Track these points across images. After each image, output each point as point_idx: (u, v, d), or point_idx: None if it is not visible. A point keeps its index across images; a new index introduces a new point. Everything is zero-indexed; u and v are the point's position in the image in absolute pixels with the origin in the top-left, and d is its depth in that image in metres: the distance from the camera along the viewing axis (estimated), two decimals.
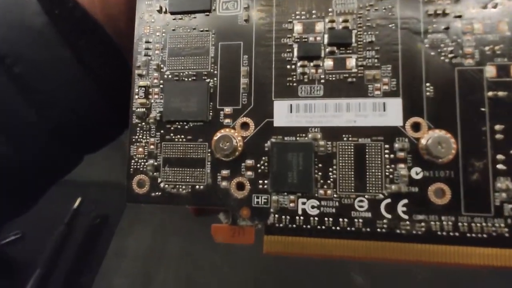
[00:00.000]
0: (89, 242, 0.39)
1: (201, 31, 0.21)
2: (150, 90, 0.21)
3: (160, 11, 0.21)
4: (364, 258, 0.18)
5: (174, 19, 0.21)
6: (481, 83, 0.18)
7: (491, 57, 0.18)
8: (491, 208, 0.17)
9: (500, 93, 0.18)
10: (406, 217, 0.18)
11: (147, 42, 0.21)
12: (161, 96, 0.21)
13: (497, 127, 0.18)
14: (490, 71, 0.18)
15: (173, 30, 0.21)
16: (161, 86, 0.21)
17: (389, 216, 0.18)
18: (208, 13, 0.21)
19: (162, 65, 0.21)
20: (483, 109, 0.18)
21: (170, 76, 0.21)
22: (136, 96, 0.21)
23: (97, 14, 0.22)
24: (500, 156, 0.18)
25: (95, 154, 0.26)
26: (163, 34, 0.21)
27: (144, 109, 0.21)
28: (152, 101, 0.21)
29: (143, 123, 0.21)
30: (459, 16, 0.19)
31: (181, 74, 0.21)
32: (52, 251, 0.37)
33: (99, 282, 0.35)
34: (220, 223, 0.19)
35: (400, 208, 0.18)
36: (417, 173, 0.18)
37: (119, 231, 0.38)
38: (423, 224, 0.18)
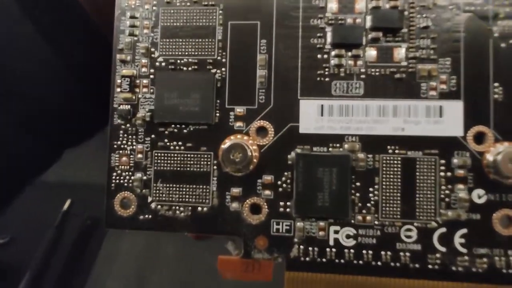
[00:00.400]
0: (80, 244, 0.36)
1: (205, 5, 0.16)
2: (137, 81, 0.16)
3: None
4: None
5: None
6: None
7: None
8: None
9: None
10: (464, 250, 0.15)
11: (132, 17, 0.16)
12: (151, 90, 0.16)
13: None
14: None
15: (168, 2, 0.16)
16: (151, 76, 0.15)
17: (443, 249, 0.15)
18: None
19: (153, 49, 0.16)
20: None
21: (163, 64, 0.16)
22: (118, 89, 0.16)
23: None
24: None
25: (85, 154, 0.24)
26: (154, 8, 0.16)
27: (129, 106, 0.16)
28: (140, 96, 0.16)
29: (128, 125, 0.15)
30: None
31: (179, 61, 0.16)
32: (42, 254, 0.34)
33: (91, 285, 0.33)
34: (229, 255, 0.15)
35: (458, 240, 0.14)
36: (479, 196, 0.14)
37: (111, 232, 0.34)
38: (485, 259, 0.14)
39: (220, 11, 0.16)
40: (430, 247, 0.15)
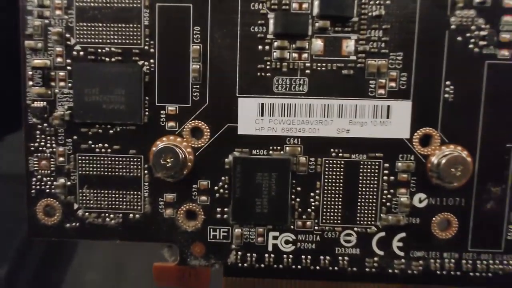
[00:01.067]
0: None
1: None
2: (52, 73, 0.13)
3: None
4: None
5: None
6: None
7: None
8: (501, 243, 0.13)
9: None
10: (402, 254, 0.14)
11: (40, 4, 0.13)
12: (70, 84, 0.13)
13: None
14: None
15: None
16: (68, 68, 0.13)
17: (381, 253, 0.14)
18: None
19: (68, 35, 0.13)
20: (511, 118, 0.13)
21: (82, 54, 0.13)
22: (31, 83, 0.13)
23: None
24: None
25: None
26: None
27: (45, 103, 0.13)
28: (57, 91, 0.13)
29: (45, 124, 0.13)
30: None
31: (99, 51, 0.13)
32: (18, 247, 0.30)
33: (71, 277, 0.30)
34: (165, 262, 0.14)
35: (396, 244, 0.14)
36: (421, 200, 0.14)
37: None
38: (421, 262, 0.14)
39: None
40: (368, 251, 0.14)
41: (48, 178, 0.14)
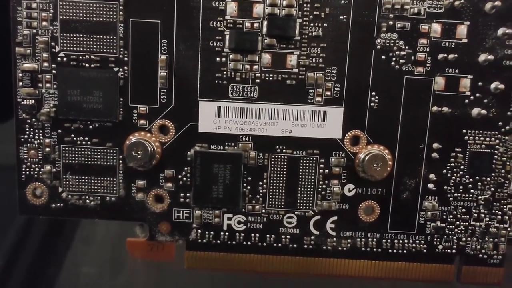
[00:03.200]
0: (53, 230, 0.29)
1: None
2: (39, 76, 0.13)
3: None
4: (289, 273, 0.14)
5: None
6: (428, 95, 0.13)
7: (442, 66, 0.13)
8: (415, 226, 0.14)
9: (445, 109, 0.13)
10: (333, 233, 0.15)
11: (29, 8, 0.13)
12: (55, 85, 0.13)
13: (435, 145, 0.14)
14: (439, 82, 0.13)
15: None
16: (54, 72, 0.13)
17: (317, 232, 0.14)
18: None
19: (53, 43, 0.13)
20: (424, 125, 0.13)
21: (65, 60, 0.13)
22: (20, 83, 0.13)
23: None
24: (432, 176, 0.14)
25: None
26: None
27: (33, 101, 0.13)
28: (44, 91, 0.13)
29: (33, 119, 0.13)
30: (417, 14, 0.13)
31: (81, 57, 0.13)
32: (12, 241, 0.28)
33: (66, 271, 0.27)
34: (137, 237, 0.14)
35: (329, 225, 0.15)
36: (350, 190, 0.14)
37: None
38: (349, 240, 0.14)
39: (121, 7, 0.13)
40: (306, 231, 0.15)
41: (36, 165, 0.14)
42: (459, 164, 0.14)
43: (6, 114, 0.14)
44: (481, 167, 0.14)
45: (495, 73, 0.14)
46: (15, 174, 0.14)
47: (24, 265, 0.27)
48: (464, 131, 0.14)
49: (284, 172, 0.14)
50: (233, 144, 0.14)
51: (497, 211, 0.15)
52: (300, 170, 0.14)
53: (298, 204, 0.14)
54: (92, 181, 0.14)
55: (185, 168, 0.14)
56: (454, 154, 0.14)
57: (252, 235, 0.15)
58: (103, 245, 0.28)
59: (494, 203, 0.15)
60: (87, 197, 0.14)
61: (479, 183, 0.14)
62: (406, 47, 0.14)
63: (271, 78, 0.14)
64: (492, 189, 0.14)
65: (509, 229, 0.15)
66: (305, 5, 0.13)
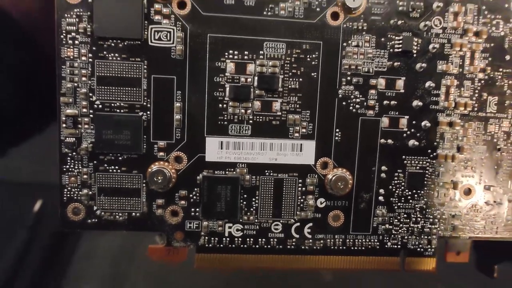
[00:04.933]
0: (55, 245, 0.28)
1: (133, 60, 0.15)
2: (79, 119, 0.15)
3: (85, 33, 0.14)
4: (277, 268, 0.16)
5: (101, 44, 0.14)
6: (377, 131, 0.16)
7: (386, 110, 0.16)
8: (370, 228, 0.17)
9: (389, 141, 0.16)
10: (310, 236, 0.17)
11: (71, 67, 0.14)
12: (92, 126, 0.15)
13: (383, 168, 0.16)
14: (384, 121, 0.16)
15: (101, 56, 0.15)
16: (91, 116, 0.15)
17: (297, 236, 0.16)
18: (139, 41, 0.14)
19: (91, 94, 0.15)
20: (375, 154, 0.16)
21: (100, 106, 0.15)
22: (64, 125, 0.15)
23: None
24: (381, 191, 0.16)
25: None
26: (90, 60, 0.14)
27: (74, 139, 0.15)
28: (82, 131, 0.15)
29: (74, 153, 0.15)
30: (368, 72, 0.15)
31: (113, 105, 0.15)
32: (14, 256, 0.26)
33: (67, 286, 0.27)
34: (156, 244, 0.16)
35: (306, 230, 0.17)
36: (321, 203, 0.16)
37: (87, 231, 0.24)
38: (321, 241, 0.17)
39: (145, 66, 0.15)
40: (289, 235, 0.17)
41: (76, 189, 0.16)
42: (401, 181, 0.17)
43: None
44: (416, 183, 0.17)
45: (424, 114, 0.17)
46: (53, 195, 0.15)
47: (26, 278, 0.26)
48: (403, 157, 0.17)
49: (272, 190, 0.16)
50: (232, 169, 0.16)
51: (429, 216, 0.17)
52: (284, 189, 0.16)
53: (283, 214, 0.17)
54: (121, 200, 0.16)
55: (195, 189, 0.16)
56: (397, 174, 0.17)
57: (248, 239, 0.17)
58: (104, 259, 0.27)
59: (427, 210, 0.17)
60: (117, 213, 0.16)
61: (415, 195, 0.17)
62: (360, 96, 0.16)
63: (260, 120, 0.16)
64: (425, 199, 0.17)
65: (438, 228, 0.18)
66: (285, 65, 0.16)
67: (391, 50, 0.16)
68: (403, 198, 0.17)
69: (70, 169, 0.16)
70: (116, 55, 0.15)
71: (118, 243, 0.27)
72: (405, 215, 0.17)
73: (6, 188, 0.20)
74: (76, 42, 0.15)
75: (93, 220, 0.16)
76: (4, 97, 0.17)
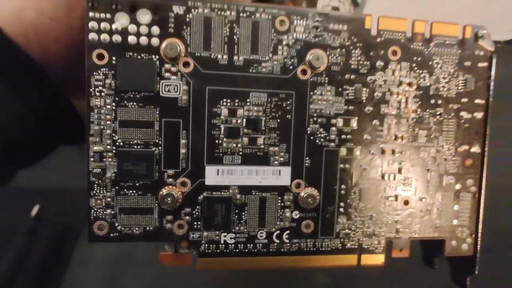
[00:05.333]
0: (52, 251, 0.28)
1: (147, 107, 0.18)
2: (104, 154, 0.18)
3: (110, 87, 0.18)
4: (263, 267, 0.20)
5: (123, 95, 0.18)
6: (337, 159, 0.20)
7: (344, 142, 0.20)
8: (333, 233, 0.21)
9: (347, 166, 0.20)
10: (287, 241, 0.20)
11: (99, 113, 0.18)
12: (114, 160, 0.18)
13: (342, 186, 0.20)
14: (342, 151, 0.20)
15: (122, 105, 0.18)
16: (113, 151, 0.18)
17: (278, 241, 0.20)
18: (152, 93, 0.18)
19: (114, 134, 0.18)
20: (336, 176, 0.20)
21: (121, 143, 0.18)
22: (92, 159, 0.18)
23: (34, 53, 0.17)
24: (342, 203, 0.21)
25: (54, 159, 0.21)
26: (114, 107, 0.18)
27: (100, 170, 0.18)
28: (107, 163, 0.18)
29: (100, 181, 0.18)
30: (329, 114, 0.20)
31: (131, 142, 0.18)
32: (11, 262, 0.26)
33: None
34: (166, 251, 0.19)
35: (284, 236, 0.20)
36: (296, 214, 0.20)
37: (84, 237, 0.24)
38: (297, 244, 0.20)
39: (157, 112, 0.19)
40: (271, 240, 0.20)
41: (100, 210, 0.19)
42: (356, 196, 0.21)
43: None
44: (367, 198, 0.22)
45: (372, 145, 0.21)
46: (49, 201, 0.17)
47: (24, 285, 0.26)
48: (357, 177, 0.21)
49: (257, 206, 0.19)
50: (226, 191, 0.19)
51: (378, 222, 0.22)
52: (267, 204, 0.19)
53: (266, 224, 0.20)
54: (138, 218, 0.19)
55: (197, 207, 0.19)
56: (353, 191, 0.21)
57: (239, 245, 0.19)
58: (101, 265, 0.27)
59: (376, 217, 0.22)
60: (134, 228, 0.19)
61: (368, 206, 0.21)
62: (324, 132, 0.20)
63: (248, 151, 0.19)
64: (374, 209, 0.22)
65: (385, 231, 0.22)
66: (266, 110, 0.20)
67: (346, 97, 0.21)
68: (358, 209, 0.21)
69: (96, 194, 0.19)
70: (135, 103, 0.19)
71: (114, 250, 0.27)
72: (360, 222, 0.22)
73: (5, 194, 0.20)
74: (103, 94, 0.18)
75: (115, 234, 0.19)
76: (22, 128, 0.18)
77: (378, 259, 0.22)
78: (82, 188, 0.18)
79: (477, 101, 0.22)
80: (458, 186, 0.22)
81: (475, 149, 0.22)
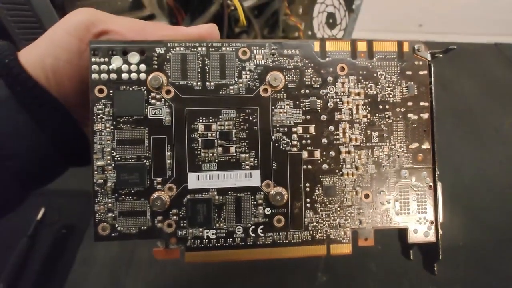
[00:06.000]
0: (55, 253, 0.28)
1: (139, 128, 0.22)
2: (105, 167, 0.21)
3: (109, 114, 0.21)
4: (241, 259, 0.22)
5: (119, 120, 0.22)
6: (300, 161, 0.23)
7: (305, 146, 0.23)
8: (303, 226, 0.23)
9: (309, 166, 0.23)
10: (262, 235, 0.22)
11: (100, 135, 0.21)
12: (114, 172, 0.21)
13: (307, 184, 0.23)
14: (304, 154, 0.23)
15: (119, 127, 0.22)
16: (113, 165, 0.21)
17: (253, 235, 0.22)
18: (142, 116, 0.22)
19: (113, 151, 0.21)
20: (300, 175, 0.23)
21: (119, 158, 0.21)
22: (96, 172, 0.21)
23: (52, 90, 0.20)
24: (308, 199, 0.23)
25: None
26: (112, 129, 0.22)
27: (102, 180, 0.21)
28: (108, 175, 0.21)
29: (102, 190, 0.21)
30: (290, 123, 0.23)
31: (126, 157, 0.21)
32: (15, 264, 0.26)
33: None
34: (158, 247, 0.22)
35: (259, 230, 0.22)
36: (267, 211, 0.22)
37: (87, 239, 0.28)
38: (270, 238, 0.22)
39: (146, 131, 0.22)
40: (248, 235, 0.22)
41: (103, 214, 0.22)
42: (320, 193, 0.24)
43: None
44: (331, 193, 0.24)
45: (330, 147, 0.24)
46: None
47: (27, 286, 0.25)
48: (320, 176, 0.23)
49: (234, 205, 0.21)
50: (206, 193, 0.21)
51: (342, 214, 0.24)
52: (242, 203, 0.21)
53: (242, 220, 0.21)
54: (134, 219, 0.22)
55: (182, 208, 0.21)
56: (317, 188, 0.23)
57: (220, 239, 0.21)
58: (102, 266, 0.27)
59: (340, 210, 0.24)
60: (131, 228, 0.22)
61: (332, 201, 0.24)
62: (286, 139, 0.23)
63: (223, 159, 0.22)
64: (338, 203, 0.24)
65: (350, 223, 0.24)
66: (236, 124, 0.23)
67: (303, 108, 0.23)
68: (323, 204, 0.23)
69: (100, 200, 0.22)
70: (128, 125, 0.22)
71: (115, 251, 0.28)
72: (326, 215, 0.24)
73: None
74: (103, 119, 0.22)
75: (116, 233, 0.22)
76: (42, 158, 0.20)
77: (346, 248, 0.23)
78: (83, 191, 0.20)
79: (422, 103, 0.24)
80: (413, 179, 0.24)
81: (425, 146, 0.24)
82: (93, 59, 0.21)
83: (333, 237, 0.23)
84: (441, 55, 0.24)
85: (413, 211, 0.24)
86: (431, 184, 0.24)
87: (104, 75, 0.22)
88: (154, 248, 0.22)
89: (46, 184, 0.21)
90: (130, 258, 0.29)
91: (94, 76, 0.22)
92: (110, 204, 0.20)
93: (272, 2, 0.36)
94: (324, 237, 0.23)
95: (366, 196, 0.24)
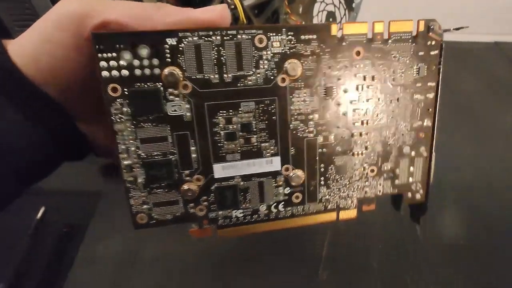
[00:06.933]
0: (56, 252, 0.26)
1: (160, 126, 0.21)
2: (133, 165, 0.21)
3: (127, 113, 0.20)
4: (265, 230, 0.24)
5: (139, 119, 0.20)
6: (315, 146, 0.23)
7: (321, 132, 0.23)
8: (317, 200, 0.25)
9: (324, 150, 0.23)
10: (283, 210, 0.23)
11: (122, 135, 0.20)
12: (142, 169, 0.21)
13: (322, 165, 0.24)
14: (319, 139, 0.23)
15: (140, 126, 0.20)
16: (140, 163, 0.21)
17: (275, 210, 0.23)
18: (162, 114, 0.20)
19: (137, 150, 0.21)
20: (316, 158, 0.23)
21: (144, 156, 0.21)
22: (125, 171, 0.21)
23: (48, 86, 0.18)
24: (322, 178, 0.24)
25: None
26: (133, 129, 0.20)
27: (132, 178, 0.21)
28: (136, 172, 0.21)
29: (134, 186, 0.21)
30: (307, 110, 0.22)
31: (152, 154, 0.21)
32: (15, 264, 0.24)
33: None
34: (193, 228, 0.23)
35: (280, 206, 0.24)
36: (287, 190, 0.23)
37: (88, 238, 0.26)
38: (290, 211, 0.24)
39: (169, 128, 0.21)
40: (270, 211, 0.23)
41: (139, 206, 0.22)
42: (333, 171, 0.24)
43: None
44: (342, 171, 0.25)
45: (344, 131, 0.24)
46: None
47: (28, 286, 0.24)
48: (333, 157, 0.24)
49: (257, 188, 0.22)
50: (232, 180, 0.21)
51: (350, 188, 0.26)
52: (264, 185, 0.22)
53: (265, 200, 0.22)
54: (168, 208, 0.22)
55: (211, 195, 0.21)
56: (330, 167, 0.24)
57: (248, 216, 0.22)
58: (104, 265, 0.26)
59: (348, 185, 0.25)
60: (167, 215, 0.23)
61: (342, 177, 0.25)
62: (304, 126, 0.23)
63: (245, 149, 0.21)
64: (347, 179, 0.25)
65: (355, 193, 0.26)
66: (255, 115, 0.22)
67: (320, 95, 0.22)
68: (335, 180, 0.24)
69: (133, 195, 0.22)
70: (149, 124, 0.21)
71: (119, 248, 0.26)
72: (337, 189, 0.25)
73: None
74: (122, 119, 0.20)
75: (153, 221, 0.23)
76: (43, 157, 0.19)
77: (352, 213, 0.26)
78: (84, 191, 0.18)
79: (429, 84, 0.24)
80: (413, 153, 0.25)
81: (427, 123, 0.25)
82: (99, 55, 0.18)
83: (342, 206, 0.25)
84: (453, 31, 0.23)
85: (409, 179, 0.26)
86: (428, 155, 0.25)
87: (115, 72, 0.19)
88: (190, 229, 0.23)
89: (42, 179, 0.19)
90: (131, 257, 0.27)
91: (105, 74, 0.19)
92: (144, 198, 0.21)
93: (272, 1, 0.30)
94: (335, 207, 0.25)
95: (372, 170, 0.25)
